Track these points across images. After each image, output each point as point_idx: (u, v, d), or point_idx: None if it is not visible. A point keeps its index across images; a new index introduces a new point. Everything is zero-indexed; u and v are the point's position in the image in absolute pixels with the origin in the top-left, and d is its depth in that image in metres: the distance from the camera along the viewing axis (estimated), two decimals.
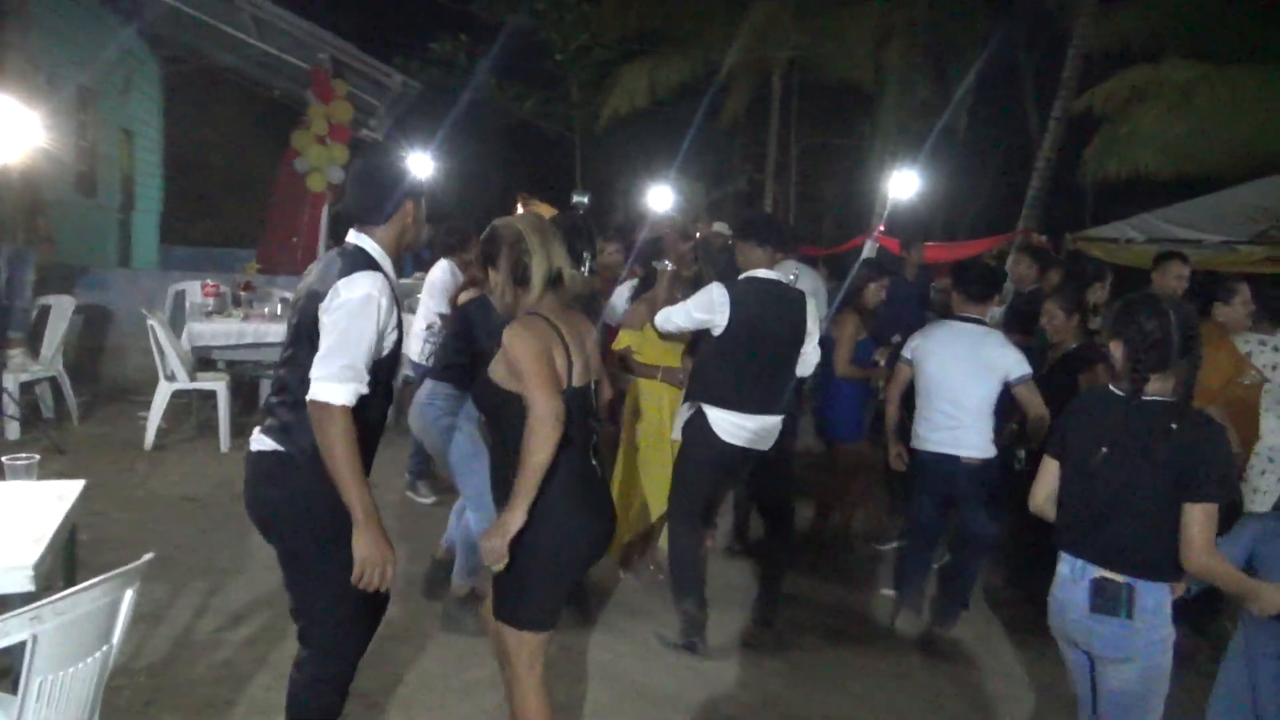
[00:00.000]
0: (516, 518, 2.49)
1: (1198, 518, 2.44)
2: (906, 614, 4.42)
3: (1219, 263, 7.36)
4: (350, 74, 11.14)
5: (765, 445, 4.07)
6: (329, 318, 2.41)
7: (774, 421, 4.08)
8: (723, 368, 4.01)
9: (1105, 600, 2.53)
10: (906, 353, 4.41)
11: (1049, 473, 2.77)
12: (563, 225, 3.13)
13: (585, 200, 24.58)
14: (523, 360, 2.53)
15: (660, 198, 17.85)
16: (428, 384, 4.12)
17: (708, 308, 3.98)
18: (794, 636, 4.39)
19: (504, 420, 2.64)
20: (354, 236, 2.61)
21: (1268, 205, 7.37)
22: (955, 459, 4.20)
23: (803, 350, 4.14)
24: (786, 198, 21.52)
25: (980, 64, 17.95)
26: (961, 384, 4.20)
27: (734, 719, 3.65)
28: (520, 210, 24.73)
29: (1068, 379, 4.53)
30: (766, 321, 4.00)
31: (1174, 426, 2.46)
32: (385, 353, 2.54)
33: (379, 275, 2.50)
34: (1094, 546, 2.59)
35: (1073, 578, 2.62)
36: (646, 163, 20.32)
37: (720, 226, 8.35)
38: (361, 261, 2.53)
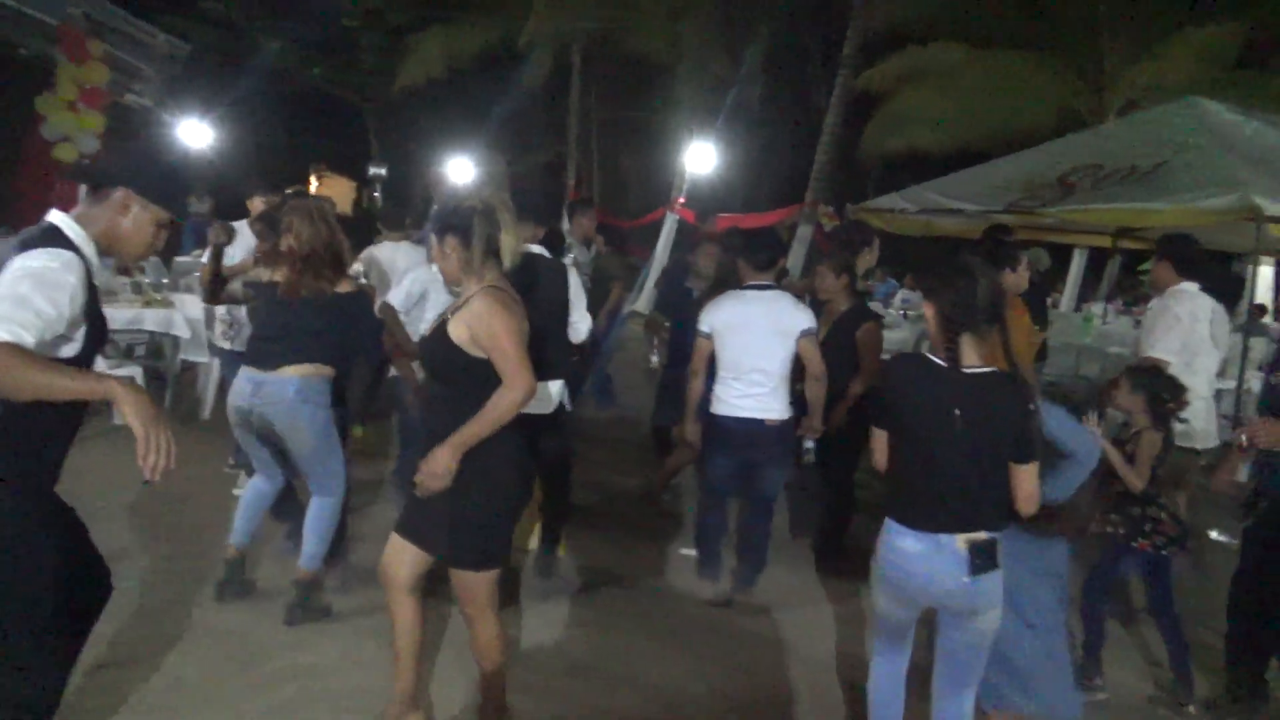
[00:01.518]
0: (464, 442, 2.72)
1: (1030, 475, 2.62)
2: (707, 577, 4.56)
3: (977, 230, 8.01)
4: (109, 33, 10.15)
5: (542, 409, 4.09)
6: None
7: (551, 387, 4.15)
8: None
9: (984, 560, 2.60)
10: (704, 327, 4.44)
11: (881, 441, 2.81)
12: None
13: (383, 173, 23.79)
14: (504, 336, 2.74)
15: (460, 170, 17.52)
16: (293, 381, 3.79)
17: None
18: (598, 591, 4.45)
19: (463, 382, 2.81)
20: (54, 215, 2.29)
21: (1020, 177, 8.08)
22: (760, 422, 4.32)
23: (571, 320, 4.20)
24: (590, 170, 21.63)
25: (769, 41, 18.66)
26: (764, 350, 4.32)
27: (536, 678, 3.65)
28: (315, 184, 23.62)
29: (846, 339, 4.82)
30: (530, 293, 4.01)
31: (1019, 396, 2.60)
32: (76, 339, 2.22)
33: (67, 253, 2.18)
34: (954, 516, 2.63)
35: (936, 548, 2.62)
36: (446, 134, 19.85)
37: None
38: (49, 239, 2.21)
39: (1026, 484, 2.62)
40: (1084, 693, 3.36)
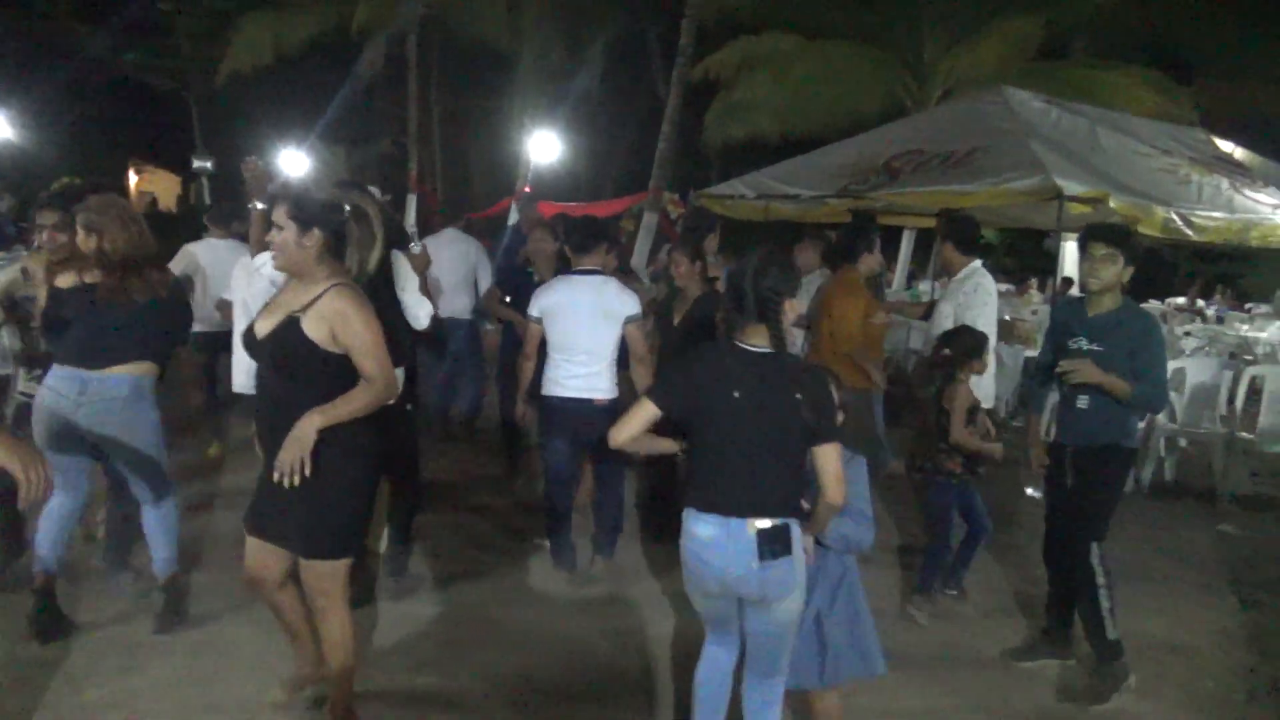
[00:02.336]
0: (331, 418, 2.76)
1: (831, 456, 2.58)
2: (560, 565, 4.60)
3: (812, 215, 8.38)
4: None
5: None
6: None
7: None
8: None
9: (774, 546, 2.56)
10: (534, 311, 4.51)
11: (640, 415, 2.78)
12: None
13: (209, 166, 22.50)
14: (365, 332, 2.82)
15: (293, 162, 16.81)
16: (125, 379, 3.57)
17: None
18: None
19: (319, 379, 2.82)
20: None
21: (849, 163, 8.47)
22: (589, 401, 4.44)
23: (405, 305, 4.13)
24: (432, 161, 21.17)
25: (610, 30, 18.74)
26: (590, 332, 4.43)
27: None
28: (134, 180, 21.97)
29: (702, 323, 4.92)
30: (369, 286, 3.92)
31: (801, 379, 2.61)
32: None
33: None
34: (742, 500, 2.60)
35: (726, 533, 2.59)
36: (278, 125, 18.99)
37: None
38: None
39: (826, 466, 2.57)
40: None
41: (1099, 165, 7.29)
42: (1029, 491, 6.30)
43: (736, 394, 2.61)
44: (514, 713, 3.40)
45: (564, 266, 4.92)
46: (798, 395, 2.57)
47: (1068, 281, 13.02)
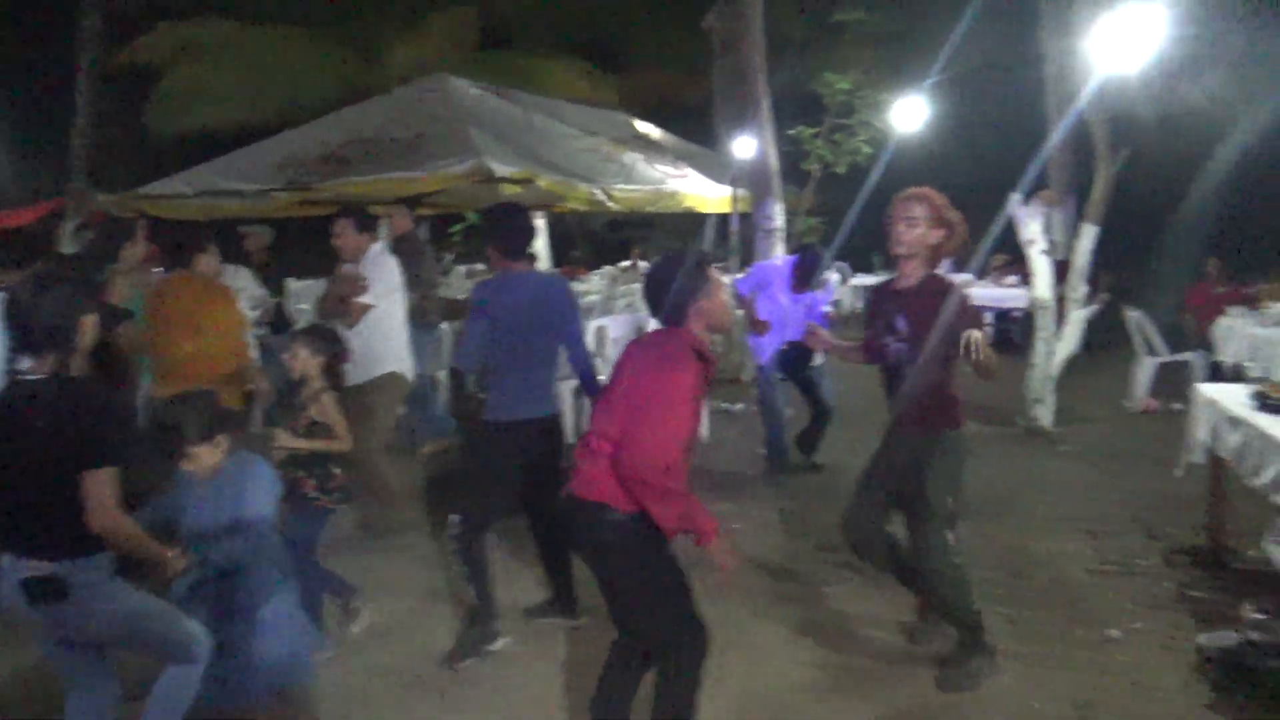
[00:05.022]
0: None
1: (98, 481, 2.38)
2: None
3: (260, 210, 7.85)
4: None
5: None
6: None
7: None
8: None
9: (44, 594, 2.39)
10: None
11: None
12: None
13: None
14: None
15: None
16: None
17: None
18: None
19: None
20: None
21: (296, 153, 8.09)
22: None
23: None
24: None
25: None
26: None
27: None
28: None
29: None
30: None
31: (53, 400, 2.39)
32: None
33: None
34: (13, 539, 2.42)
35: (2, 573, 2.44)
36: None
37: None
38: None
39: (93, 492, 2.37)
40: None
41: (530, 147, 7.84)
42: None
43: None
44: None
45: None
46: (72, 418, 2.39)
47: (532, 257, 14.01)
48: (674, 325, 2.68)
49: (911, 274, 3.36)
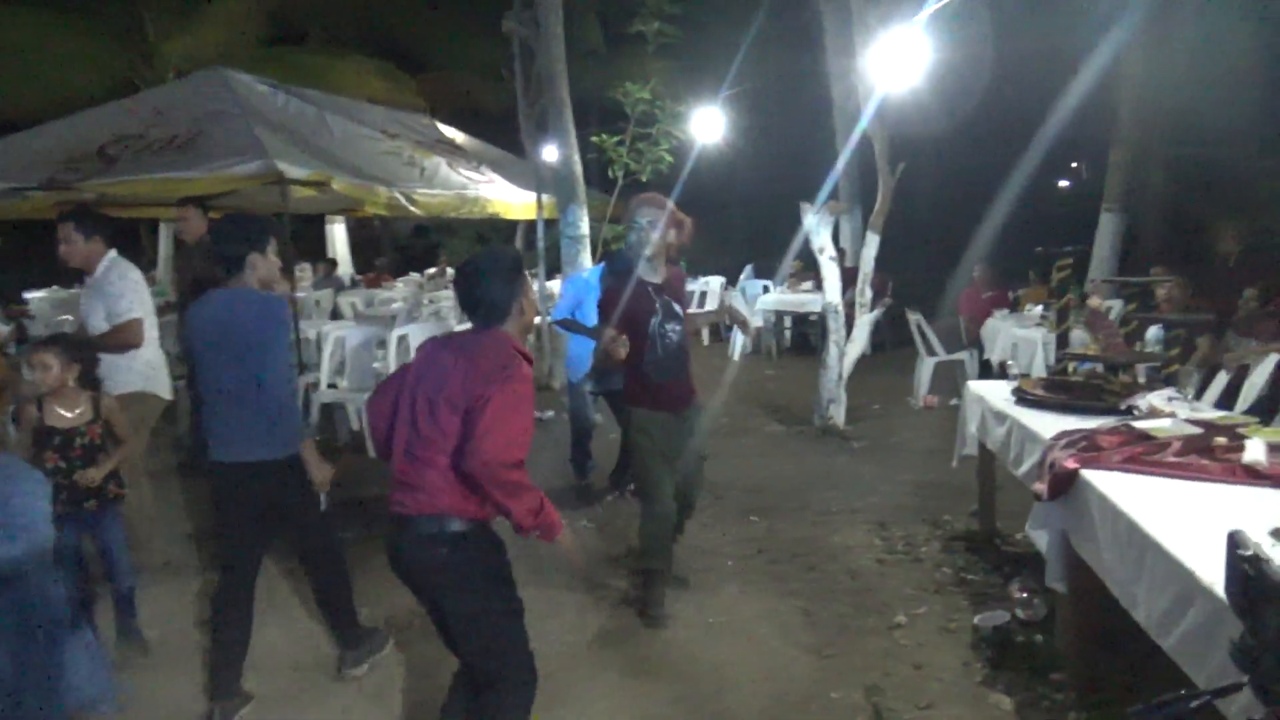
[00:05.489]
0: None
1: None
2: None
3: (11, 211, 7.05)
4: None
5: None
6: None
7: None
8: None
9: None
10: None
11: None
12: None
13: None
14: None
15: None
16: None
17: None
18: None
19: None
20: None
21: (59, 149, 7.33)
22: None
23: None
24: None
25: None
26: None
27: None
28: None
29: None
30: None
31: None
32: None
33: None
34: None
35: None
36: None
37: None
38: None
39: None
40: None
41: (325, 149, 7.50)
42: None
43: None
44: None
45: None
46: None
47: (332, 263, 13.50)
48: (493, 325, 2.58)
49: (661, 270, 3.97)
